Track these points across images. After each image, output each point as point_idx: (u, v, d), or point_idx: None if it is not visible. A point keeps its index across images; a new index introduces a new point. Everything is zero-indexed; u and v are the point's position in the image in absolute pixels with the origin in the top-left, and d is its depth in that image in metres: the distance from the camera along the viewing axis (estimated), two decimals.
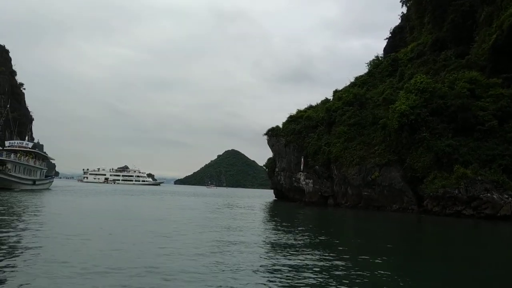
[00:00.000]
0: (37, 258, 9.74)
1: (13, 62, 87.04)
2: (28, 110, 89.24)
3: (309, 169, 46.65)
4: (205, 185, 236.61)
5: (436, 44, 53.75)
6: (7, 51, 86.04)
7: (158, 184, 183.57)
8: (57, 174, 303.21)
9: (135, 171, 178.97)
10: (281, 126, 56.70)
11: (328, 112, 50.42)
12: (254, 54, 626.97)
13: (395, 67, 54.71)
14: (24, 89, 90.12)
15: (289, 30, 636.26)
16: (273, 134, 55.99)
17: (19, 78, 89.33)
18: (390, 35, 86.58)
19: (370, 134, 44.26)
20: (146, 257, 10.61)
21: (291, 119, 55.77)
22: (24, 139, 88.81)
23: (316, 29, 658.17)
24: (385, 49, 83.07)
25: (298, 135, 52.51)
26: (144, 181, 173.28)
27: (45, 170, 59.92)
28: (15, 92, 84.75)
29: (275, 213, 34.77)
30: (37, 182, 52.64)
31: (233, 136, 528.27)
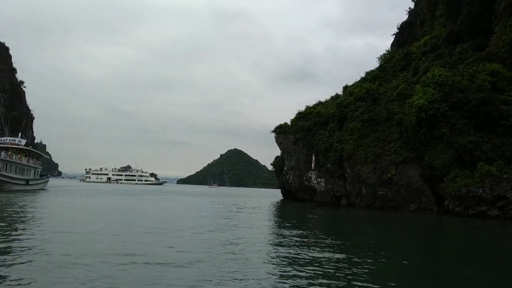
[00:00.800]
0: None
1: (15, 61, 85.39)
2: (29, 109, 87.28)
3: (320, 168, 44.61)
4: (208, 185, 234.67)
5: (451, 37, 51.58)
6: (7, 49, 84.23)
7: (161, 183, 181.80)
8: (59, 174, 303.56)
9: (137, 171, 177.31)
10: (289, 123, 54.61)
11: (339, 108, 48.33)
12: (255, 54, 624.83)
13: (408, 61, 52.55)
14: (25, 87, 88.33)
15: (290, 29, 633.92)
16: (281, 131, 53.91)
17: (20, 77, 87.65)
18: (397, 30, 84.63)
19: (384, 130, 42.19)
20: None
21: (300, 116, 53.65)
22: (25, 138, 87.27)
23: (317, 28, 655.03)
24: (392, 45, 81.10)
25: (307, 132, 50.45)
26: (147, 180, 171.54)
27: (39, 169, 56.23)
28: (15, 90, 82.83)
29: (287, 214, 32.83)
30: (30, 182, 48.99)
31: (235, 136, 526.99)
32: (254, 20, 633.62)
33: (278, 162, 59.23)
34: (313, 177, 43.04)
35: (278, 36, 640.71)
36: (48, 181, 62.65)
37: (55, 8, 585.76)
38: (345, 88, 55.45)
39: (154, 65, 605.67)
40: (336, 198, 42.47)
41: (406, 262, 11.94)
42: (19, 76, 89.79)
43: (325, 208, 40.29)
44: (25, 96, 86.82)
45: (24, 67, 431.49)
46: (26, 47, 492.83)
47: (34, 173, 52.80)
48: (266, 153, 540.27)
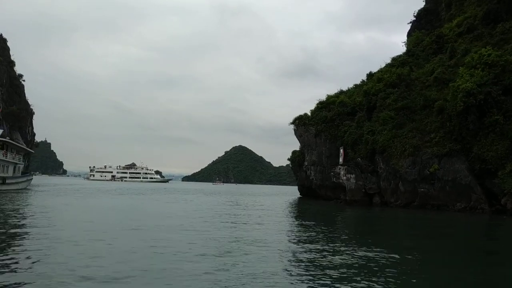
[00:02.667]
0: None
1: (13, 53, 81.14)
2: (28, 104, 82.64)
3: (348, 162, 39.89)
4: (215, 182, 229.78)
5: (489, 17, 46.63)
6: (4, 40, 79.70)
7: (167, 181, 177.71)
8: (64, 172, 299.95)
9: (142, 168, 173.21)
10: (309, 114, 49.77)
11: (367, 96, 43.57)
12: (258, 50, 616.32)
13: (440, 44, 47.59)
14: (24, 80, 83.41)
15: (292, 25, 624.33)
16: (301, 123, 49.07)
17: (26, 76, 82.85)
18: (414, 18, 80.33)
19: (422, 119, 37.42)
20: None
21: (321, 106, 48.77)
22: (25, 134, 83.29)
23: (319, 23, 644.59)
24: (409, 34, 77.04)
25: (330, 124, 45.67)
26: (152, 178, 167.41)
27: (20, 166, 47.89)
28: (14, 84, 78.16)
29: (318, 216, 28.17)
30: (7, 181, 40.43)
31: (239, 133, 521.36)
32: (256, 16, 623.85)
33: (296, 157, 54.31)
34: (342, 172, 38.25)
35: (280, 31, 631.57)
36: (31, 179, 52.04)
37: (58, 8, 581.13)
38: (370, 75, 50.62)
39: (157, 63, 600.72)
40: (367, 196, 37.74)
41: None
42: (21, 71, 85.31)
43: (356, 207, 35.65)
44: (24, 90, 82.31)
45: (29, 66, 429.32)
46: (30, 47, 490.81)
47: (14, 170, 44.60)
48: (271, 149, 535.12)
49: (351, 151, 40.43)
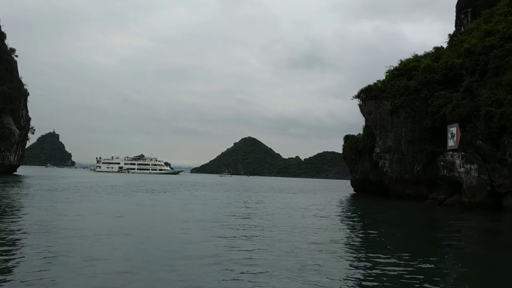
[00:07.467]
0: None
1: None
2: (21, 83, 71.23)
3: (462, 146, 27.70)
4: (222, 173, 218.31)
5: None
6: None
7: (177, 173, 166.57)
8: (73, 163, 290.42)
9: (151, 160, 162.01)
10: (380, 84, 37.41)
11: (470, 56, 31.31)
12: (263, 40, 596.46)
13: None
14: (17, 56, 71.94)
15: (296, 13, 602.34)
16: (369, 96, 36.87)
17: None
18: None
19: None
20: None
21: (398, 73, 36.47)
22: (17, 118, 72.28)
23: (324, 12, 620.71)
24: (458, 4, 65.22)
25: (414, 96, 33.52)
26: (161, 170, 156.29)
27: None
28: (5, 60, 66.63)
29: (448, 235, 16.35)
30: None
31: (246, 124, 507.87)
32: (260, 5, 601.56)
33: (360, 142, 41.73)
34: (458, 161, 26.13)
35: (285, 20, 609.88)
36: None
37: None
38: (456, 34, 38.21)
39: (165, 54, 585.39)
40: (493, 196, 25.58)
41: None
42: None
43: (476, 212, 23.83)
44: (17, 67, 70.75)
45: (38, 57, 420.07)
46: (39, 37, 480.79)
47: None
48: (278, 141, 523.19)
49: (462, 131, 28.23)
